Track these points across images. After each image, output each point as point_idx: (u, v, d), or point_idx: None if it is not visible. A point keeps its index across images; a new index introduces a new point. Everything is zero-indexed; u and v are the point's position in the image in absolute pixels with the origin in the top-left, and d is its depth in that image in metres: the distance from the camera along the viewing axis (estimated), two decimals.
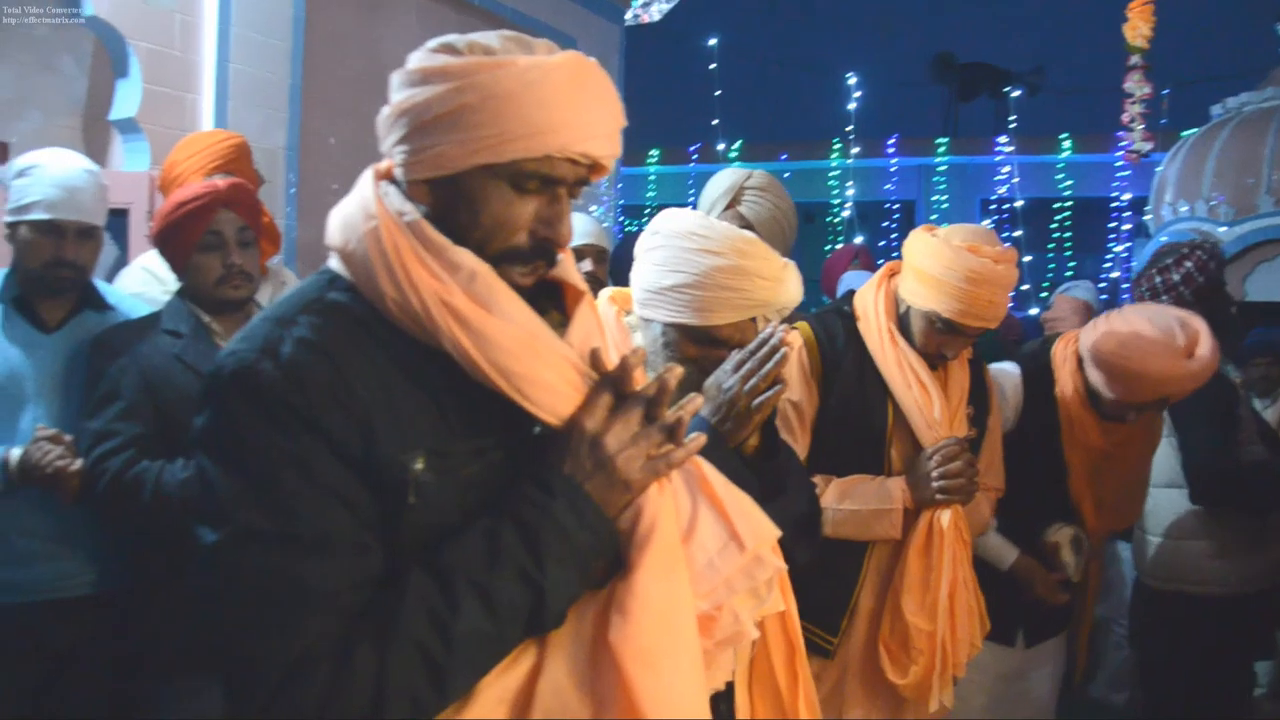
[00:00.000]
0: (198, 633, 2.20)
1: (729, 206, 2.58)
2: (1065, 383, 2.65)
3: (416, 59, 1.11)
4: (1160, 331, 2.44)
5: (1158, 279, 3.23)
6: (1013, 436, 2.63)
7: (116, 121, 3.77)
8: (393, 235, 1.07)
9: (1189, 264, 3.16)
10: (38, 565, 2.36)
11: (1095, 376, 2.56)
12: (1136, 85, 3.08)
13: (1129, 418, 2.57)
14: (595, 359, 1.13)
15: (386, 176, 1.16)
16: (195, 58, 3.91)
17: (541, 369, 1.08)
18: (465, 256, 1.08)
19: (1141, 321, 2.48)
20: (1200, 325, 2.48)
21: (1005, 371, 2.72)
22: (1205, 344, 2.43)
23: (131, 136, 3.75)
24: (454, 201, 1.10)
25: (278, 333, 1.05)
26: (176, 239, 2.38)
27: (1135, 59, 3.02)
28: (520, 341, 1.07)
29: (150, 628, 2.35)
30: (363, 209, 1.11)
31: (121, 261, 3.44)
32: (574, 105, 1.08)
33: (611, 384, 1.11)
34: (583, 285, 1.23)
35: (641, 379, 1.15)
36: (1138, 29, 2.92)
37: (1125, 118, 3.19)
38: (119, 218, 3.48)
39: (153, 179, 3.65)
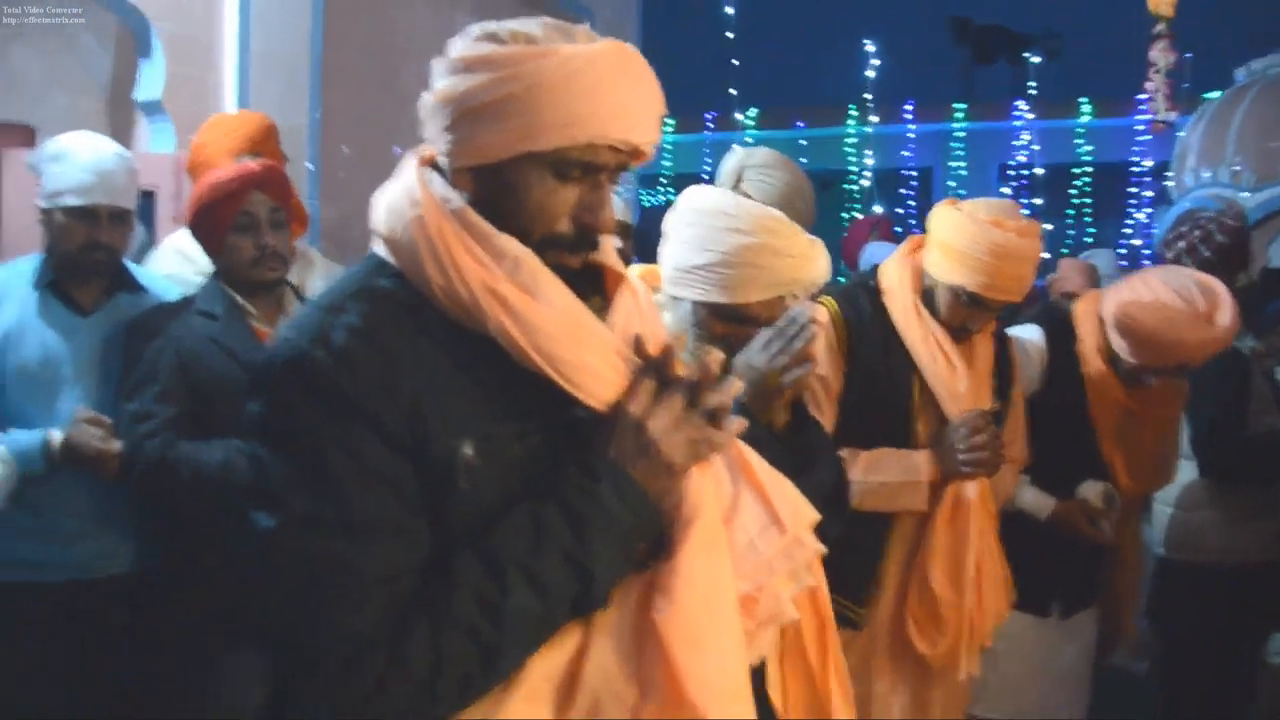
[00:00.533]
0: (239, 612, 2.27)
1: (733, 188, 2.60)
2: (1087, 342, 2.66)
3: (460, 47, 1.12)
4: (1181, 298, 2.45)
5: (1180, 244, 3.24)
6: (1039, 398, 2.64)
7: (141, 103, 3.80)
8: (438, 223, 1.09)
9: (1211, 225, 3.17)
10: (79, 544, 2.42)
11: (1116, 341, 2.57)
12: (1161, 54, 3.05)
13: (1149, 382, 2.58)
14: (638, 344, 1.15)
15: (429, 163, 1.17)
16: (217, 38, 3.93)
17: (585, 354, 1.10)
18: (510, 244, 1.09)
19: (1162, 287, 2.49)
20: (1221, 289, 2.48)
21: (1028, 334, 2.72)
22: (1226, 309, 2.43)
23: (156, 118, 3.78)
24: (497, 188, 1.12)
25: (329, 321, 1.06)
26: (210, 221, 2.40)
27: (1160, 27, 2.99)
28: (564, 327, 1.09)
29: (190, 606, 2.39)
30: (408, 196, 1.12)
31: (148, 243, 3.48)
32: (616, 93, 1.09)
33: (655, 369, 1.13)
34: (623, 270, 1.25)
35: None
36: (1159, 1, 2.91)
37: (1150, 87, 3.17)
38: (146, 199, 3.52)
39: (178, 160, 3.68)
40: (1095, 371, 2.63)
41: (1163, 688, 3.25)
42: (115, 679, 2.44)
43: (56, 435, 2.29)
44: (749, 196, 2.50)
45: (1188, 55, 9.16)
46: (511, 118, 1.07)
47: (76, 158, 2.42)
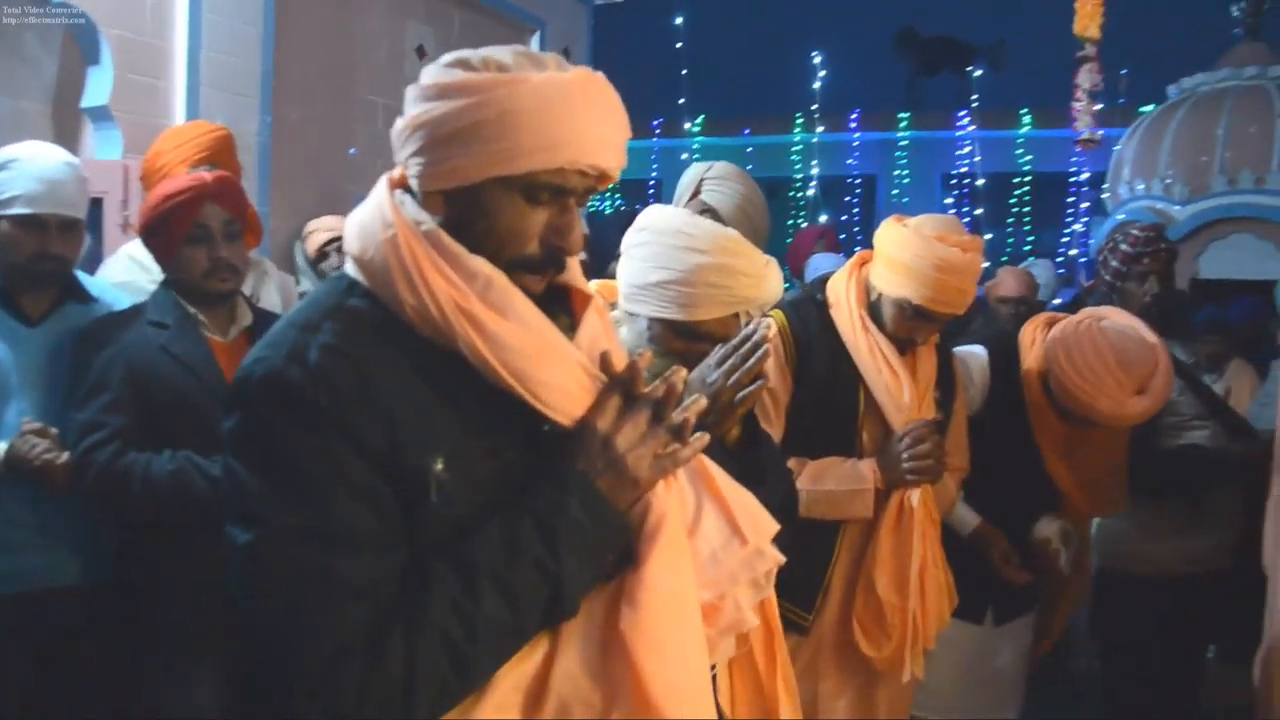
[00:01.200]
0: (193, 623, 2.27)
1: (693, 197, 2.66)
2: (1030, 368, 2.71)
3: (432, 73, 1.15)
4: (1119, 364, 2.47)
5: (1099, 256, 3.34)
6: (982, 417, 2.70)
7: (88, 109, 3.75)
8: (410, 244, 1.12)
9: (1119, 236, 3.29)
10: (25, 556, 2.38)
11: (1052, 380, 2.62)
12: (1086, 75, 3.16)
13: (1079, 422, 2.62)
14: (604, 361, 1.19)
15: (400, 185, 1.20)
16: (167, 45, 3.90)
17: (553, 372, 1.14)
18: (480, 264, 1.13)
19: (1106, 346, 2.50)
20: (1163, 357, 2.51)
21: (973, 354, 2.77)
22: (1160, 378, 2.48)
23: (104, 124, 3.73)
24: (469, 211, 1.15)
25: (303, 339, 1.09)
26: (163, 232, 2.40)
27: (1087, 49, 3.09)
28: (533, 345, 1.13)
29: (146, 618, 2.37)
30: (380, 218, 1.15)
31: (96, 251, 3.44)
32: (585, 120, 1.13)
33: (620, 386, 1.17)
34: (589, 290, 1.29)
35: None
36: (1088, 21, 2.99)
37: (1077, 108, 3.28)
38: (94, 207, 3.47)
39: (127, 168, 3.64)
40: (1035, 398, 2.69)
41: (1107, 694, 3.33)
42: (68, 691, 2.42)
43: (1, 447, 2.27)
44: (705, 203, 2.57)
45: (1123, 71, 9.41)
46: (483, 143, 1.10)
47: (25, 166, 2.39)
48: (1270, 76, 6.19)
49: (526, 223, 1.16)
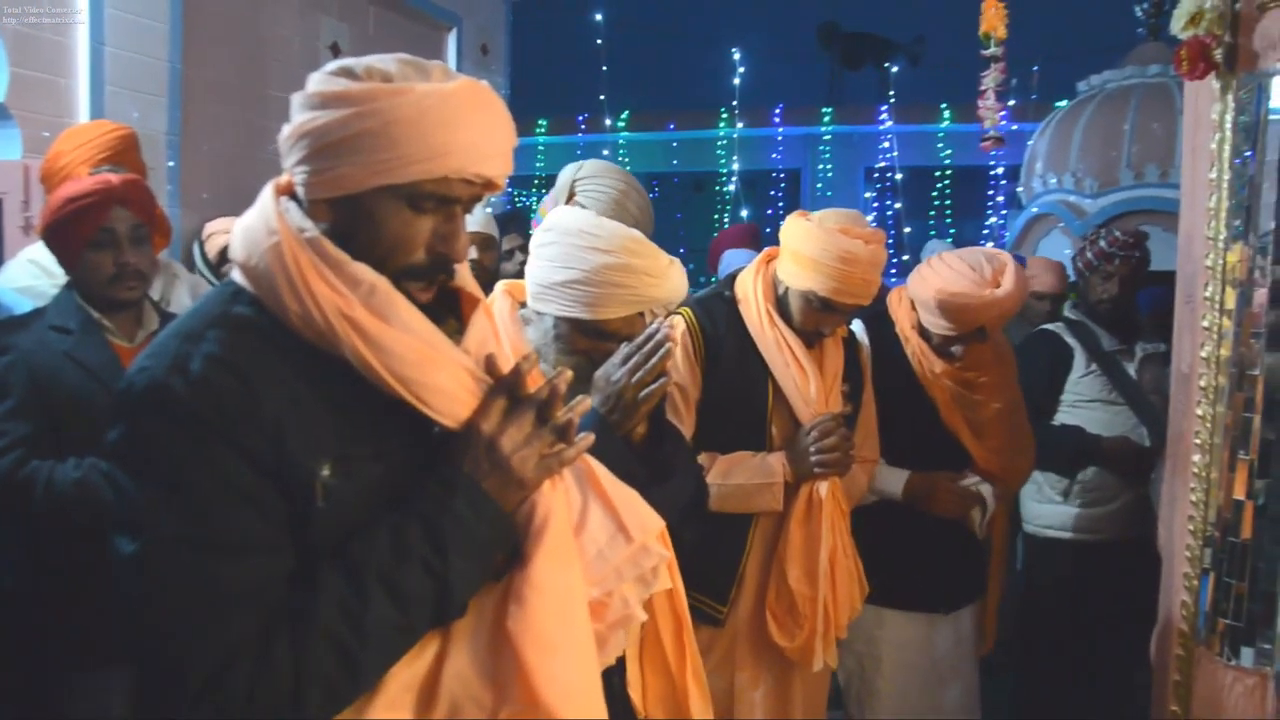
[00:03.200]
0: (100, 631, 2.23)
1: (568, 201, 2.67)
2: (903, 321, 2.82)
3: (315, 82, 1.15)
4: (968, 265, 2.64)
5: (1089, 254, 3.50)
6: (875, 385, 2.74)
7: None
8: (294, 251, 1.12)
9: (1099, 241, 3.45)
10: None
11: (920, 313, 2.75)
12: (993, 76, 3.24)
13: (956, 352, 2.73)
14: (490, 364, 1.21)
15: (287, 191, 1.20)
16: (68, 40, 3.80)
17: (438, 376, 1.15)
18: (364, 271, 1.13)
19: (952, 258, 2.69)
20: (1008, 260, 2.67)
21: (852, 328, 2.84)
22: (1009, 276, 2.62)
23: (1, 123, 3.63)
24: (354, 220, 1.15)
25: (186, 349, 1.09)
26: (67, 236, 2.34)
27: (993, 49, 3.16)
28: (418, 351, 1.13)
29: (52, 625, 2.33)
30: (264, 225, 1.15)
31: None
32: (469, 129, 1.14)
33: (505, 388, 1.19)
34: (479, 293, 1.30)
35: (537, 380, 1.22)
36: (994, 21, 3.06)
37: (981, 108, 3.36)
38: None
39: (27, 168, 3.55)
40: (914, 346, 2.79)
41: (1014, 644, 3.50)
42: None
43: None
44: (581, 205, 2.59)
45: (1035, 68, 9.62)
46: (367, 153, 1.10)
47: None
48: (1172, 75, 6.37)
49: (411, 231, 1.16)
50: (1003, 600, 3.02)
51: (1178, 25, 2.03)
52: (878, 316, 2.87)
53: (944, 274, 2.65)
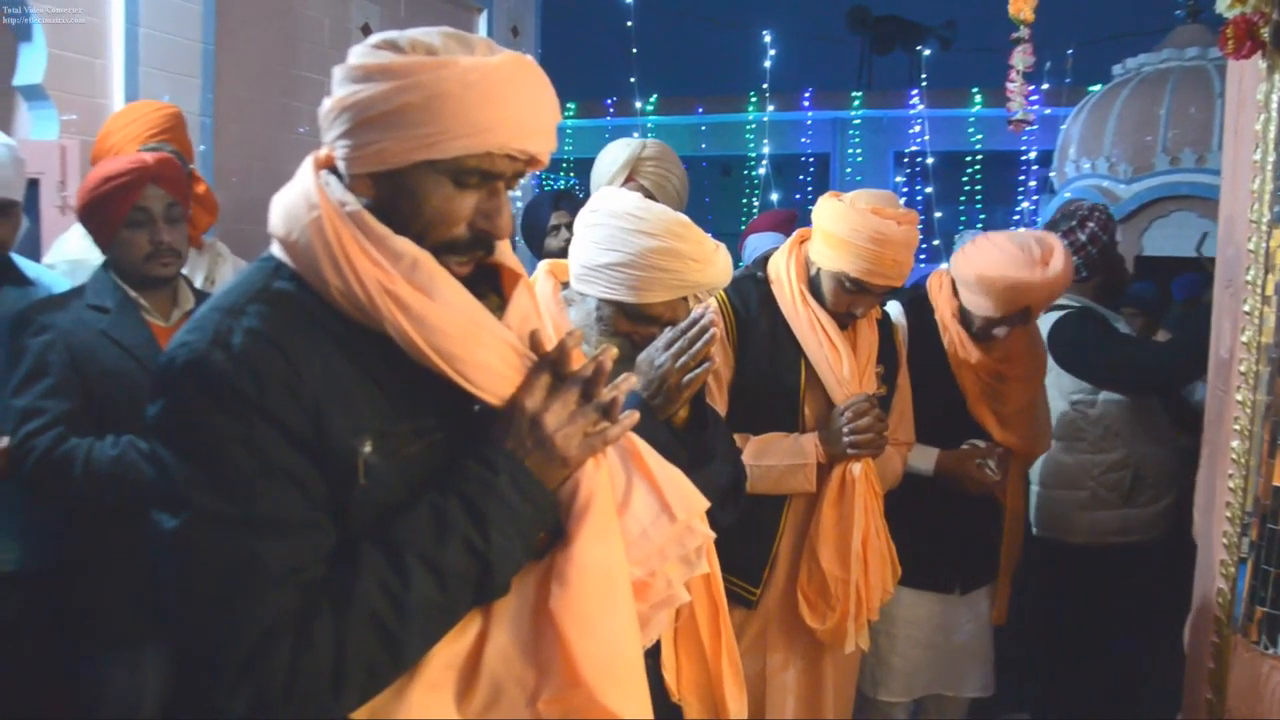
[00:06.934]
0: (134, 607, 2.25)
1: (628, 179, 2.66)
2: (942, 308, 2.81)
3: (358, 54, 1.13)
4: (1017, 246, 2.63)
5: (1064, 241, 3.41)
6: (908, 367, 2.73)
7: (21, 88, 3.67)
8: (335, 225, 1.11)
9: (1092, 225, 3.34)
10: None
11: (965, 296, 2.73)
12: (1020, 58, 3.21)
13: (999, 335, 2.71)
14: (534, 340, 1.20)
15: (327, 165, 1.19)
16: (103, 22, 3.82)
17: (481, 351, 1.13)
18: (406, 245, 1.12)
19: (1000, 239, 2.68)
20: (1055, 241, 2.66)
21: (888, 309, 2.83)
22: (1059, 257, 2.61)
23: (38, 104, 3.65)
24: (396, 194, 1.14)
25: (228, 323, 1.08)
26: (102, 214, 2.36)
27: (1021, 31, 3.13)
28: (460, 326, 1.12)
29: (86, 603, 2.36)
30: (305, 199, 1.14)
31: (34, 233, 3.38)
32: (514, 104, 1.12)
33: (549, 365, 1.18)
34: (520, 269, 1.28)
35: (580, 358, 1.21)
36: (1021, 4, 3.03)
37: (1009, 90, 3.33)
38: (30, 187, 3.41)
39: (64, 148, 3.58)
40: (951, 334, 2.78)
41: (1027, 653, 3.43)
42: (9, 675, 2.40)
43: None
44: (644, 187, 2.58)
45: (1069, 51, 9.50)
46: (410, 127, 1.09)
47: None
48: (1211, 58, 6.28)
49: (454, 206, 1.15)
50: (1018, 571, 2.98)
51: (1224, 3, 1.99)
52: (917, 300, 2.86)
53: (992, 255, 2.64)
